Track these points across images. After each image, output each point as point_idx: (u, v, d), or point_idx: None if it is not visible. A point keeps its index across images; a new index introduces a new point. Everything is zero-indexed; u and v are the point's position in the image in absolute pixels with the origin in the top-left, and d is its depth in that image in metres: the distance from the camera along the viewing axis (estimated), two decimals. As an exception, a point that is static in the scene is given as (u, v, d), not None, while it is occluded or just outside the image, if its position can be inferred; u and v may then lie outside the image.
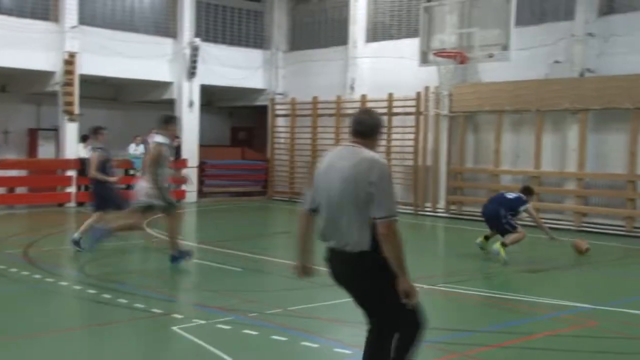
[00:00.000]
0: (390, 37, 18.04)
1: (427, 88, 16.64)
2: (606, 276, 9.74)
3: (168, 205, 9.13)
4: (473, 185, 16.31)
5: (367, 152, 4.07)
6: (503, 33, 13.80)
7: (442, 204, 16.59)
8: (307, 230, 4.34)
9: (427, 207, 16.81)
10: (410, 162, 17.10)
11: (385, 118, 17.75)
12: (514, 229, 10.19)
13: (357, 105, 18.41)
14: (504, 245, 9.96)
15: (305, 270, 4.44)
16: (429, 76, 16.38)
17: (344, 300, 7.50)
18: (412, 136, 17.10)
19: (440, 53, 14.84)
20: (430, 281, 8.75)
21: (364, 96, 18.26)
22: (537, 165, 14.89)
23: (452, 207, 16.45)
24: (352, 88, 18.67)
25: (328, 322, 6.66)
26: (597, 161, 14.12)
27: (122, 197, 10.44)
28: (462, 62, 14.87)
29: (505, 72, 14.94)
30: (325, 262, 4.22)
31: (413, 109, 17.06)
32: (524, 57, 14.47)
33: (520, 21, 14.44)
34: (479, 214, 15.72)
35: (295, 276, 4.47)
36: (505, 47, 13.86)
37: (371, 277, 4.01)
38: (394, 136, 17.63)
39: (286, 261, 9.99)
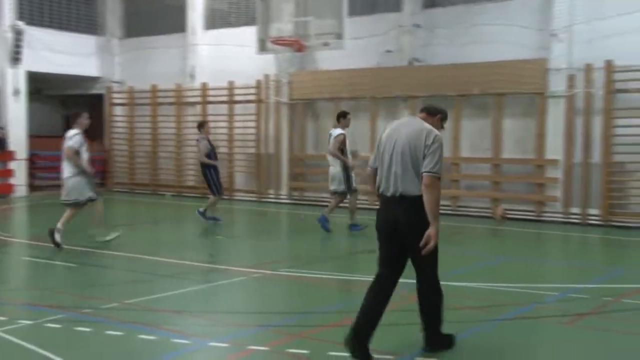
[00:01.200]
0: (229, 25, 17.97)
1: (266, 76, 16.81)
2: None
3: (348, 189, 11.53)
4: (314, 172, 16.72)
5: (427, 124, 5.14)
6: (337, 22, 14.24)
7: (284, 190, 16.87)
8: (374, 182, 5.29)
9: (270, 194, 17.02)
10: (253, 150, 17.20)
11: (226, 106, 17.71)
12: None
13: (198, 93, 18.21)
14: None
15: None
16: (268, 64, 16.55)
17: (184, 290, 7.53)
18: (253, 124, 17.20)
19: (278, 41, 15.02)
20: (274, 266, 8.91)
21: (204, 84, 18.06)
22: (373, 150, 15.54)
23: (295, 193, 16.79)
24: (192, 76, 18.39)
25: (167, 313, 6.55)
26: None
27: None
28: (299, 50, 15.14)
29: (341, 60, 15.46)
30: (378, 210, 5.24)
31: (254, 97, 17.15)
32: (358, 46, 15.05)
33: (353, 11, 14.98)
34: (321, 199, 16.28)
35: None
36: (339, 36, 14.31)
37: (420, 216, 4.93)
38: (236, 124, 17.63)
39: (125, 254, 9.74)
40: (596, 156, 12.98)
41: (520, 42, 13.66)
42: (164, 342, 5.55)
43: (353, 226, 11.77)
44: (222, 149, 17.99)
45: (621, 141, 12.63)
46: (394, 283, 5.26)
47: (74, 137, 9.87)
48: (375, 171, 5.26)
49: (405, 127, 5.16)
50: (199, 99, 18.28)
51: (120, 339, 5.61)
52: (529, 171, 13.90)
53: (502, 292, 7.44)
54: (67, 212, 10.01)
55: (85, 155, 9.90)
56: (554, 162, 13.44)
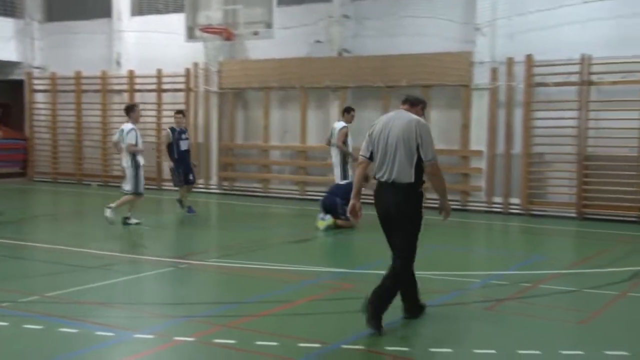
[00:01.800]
0: (157, 12, 17.60)
1: (196, 64, 16.57)
2: (360, 241, 10.59)
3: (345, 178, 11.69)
4: (244, 161, 16.66)
5: (414, 115, 5.72)
6: (266, 12, 14.19)
7: (214, 180, 16.72)
8: (364, 175, 5.90)
9: (200, 184, 16.80)
10: (181, 139, 16.91)
11: (154, 95, 17.37)
12: (347, 219, 10.86)
13: (125, 81, 17.78)
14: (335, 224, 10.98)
15: (359, 210, 5.87)
16: (197, 52, 16.32)
17: (109, 282, 7.38)
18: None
19: (207, 29, 14.83)
20: (202, 257, 8.85)
21: (131, 72, 17.65)
22: (303, 140, 15.62)
23: (224, 183, 16.67)
24: (118, 63, 17.94)
25: (91, 305, 6.40)
26: (356, 136, 15.14)
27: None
28: (228, 39, 15.01)
29: (271, 49, 15.40)
30: (376, 194, 5.74)
31: (183, 86, 16.88)
32: (287, 35, 15.03)
33: (282, 1, 14.93)
34: (252, 189, 16.24)
35: (351, 217, 5.93)
36: (269, 26, 14.26)
37: (411, 201, 5.59)
38: (164, 113, 17.30)
39: (48, 245, 9.46)
40: (517, 147, 13.43)
41: (446, 35, 13.97)
42: (87, 335, 5.43)
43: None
44: (150, 139, 17.67)
45: (540, 133, 13.12)
46: None
47: (130, 132, 10.99)
48: (366, 160, 5.82)
49: (395, 119, 5.70)
50: (125, 87, 17.85)
51: (40, 332, 5.44)
52: (454, 162, 14.25)
53: (428, 279, 7.59)
54: (128, 198, 11.10)
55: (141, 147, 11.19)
56: (478, 153, 13.84)
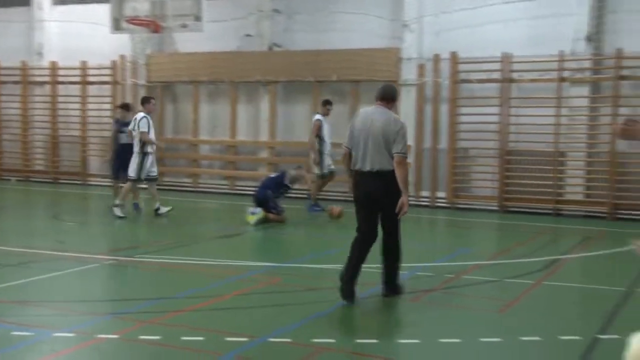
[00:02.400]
0: (81, 1, 17.08)
1: (122, 57, 16.19)
2: (290, 236, 10.62)
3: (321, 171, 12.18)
4: (173, 156, 16.41)
5: (391, 113, 6.43)
6: (195, 4, 14.03)
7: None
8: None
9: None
10: (108, 134, 16.47)
11: (78, 87, 16.87)
12: (278, 212, 11.06)
13: (47, 72, 17.20)
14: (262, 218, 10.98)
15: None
16: (124, 44, 15.95)
17: (29, 279, 7.14)
18: (109, 106, 16.50)
19: (133, 20, 14.52)
20: (129, 252, 8.68)
21: (54, 63, 17.09)
22: (233, 134, 15.52)
23: (152, 177, 16.36)
24: (39, 54, 17.33)
25: (7, 304, 6.17)
26: (286, 130, 15.20)
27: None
28: (156, 31, 14.75)
29: (201, 43, 15.22)
30: (356, 184, 6.39)
31: (109, 78, 16.47)
32: (217, 29, 14.90)
33: (213, -6, 14.79)
34: (181, 184, 16.01)
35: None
36: (198, 18, 14.10)
37: (392, 187, 6.21)
38: (89, 106, 16.85)
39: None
40: (443, 142, 13.75)
41: (375, 31, 14.15)
42: (3, 335, 5.22)
43: (312, 206, 12.28)
44: (74, 132, 17.19)
45: (465, 128, 13.48)
46: (374, 235, 6.44)
47: (142, 120, 11.30)
48: (350, 151, 6.43)
49: (375, 115, 6.37)
50: (47, 79, 17.27)
51: (-46, 334, 5.23)
52: (383, 156, 14.44)
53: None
54: (128, 186, 11.54)
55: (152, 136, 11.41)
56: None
